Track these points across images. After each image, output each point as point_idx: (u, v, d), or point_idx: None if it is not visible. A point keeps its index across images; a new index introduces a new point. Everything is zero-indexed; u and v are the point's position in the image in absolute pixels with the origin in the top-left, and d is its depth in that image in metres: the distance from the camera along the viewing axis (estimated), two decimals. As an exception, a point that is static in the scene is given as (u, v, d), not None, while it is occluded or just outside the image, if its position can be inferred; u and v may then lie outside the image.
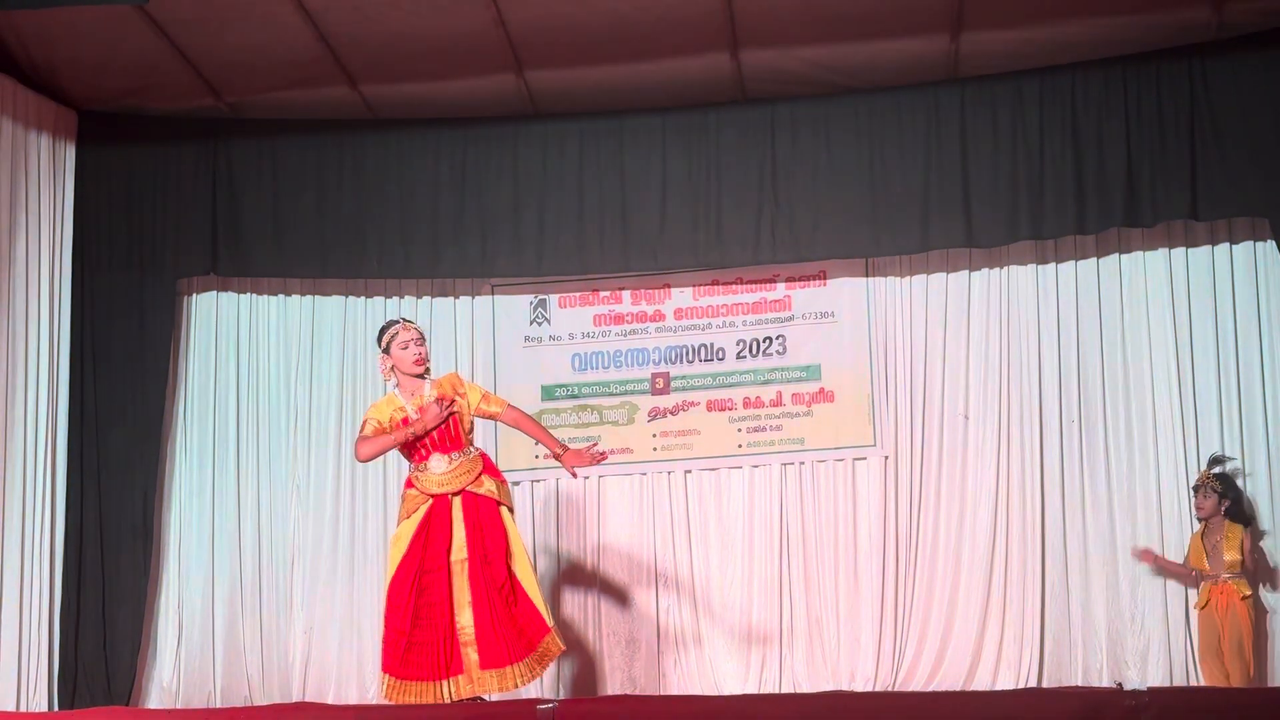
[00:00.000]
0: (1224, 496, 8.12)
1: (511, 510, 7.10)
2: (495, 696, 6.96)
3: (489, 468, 7.11)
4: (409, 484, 7.06)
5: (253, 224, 9.04)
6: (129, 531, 8.84)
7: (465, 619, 6.84)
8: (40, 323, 8.58)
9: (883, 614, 8.70)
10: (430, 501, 6.95)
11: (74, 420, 8.75)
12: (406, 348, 7.07)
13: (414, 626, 6.81)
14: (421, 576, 6.86)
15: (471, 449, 7.06)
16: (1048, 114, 8.52)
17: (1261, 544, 8.23)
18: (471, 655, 6.82)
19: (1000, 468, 8.75)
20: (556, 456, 7.17)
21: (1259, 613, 8.10)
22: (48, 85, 8.71)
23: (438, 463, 6.97)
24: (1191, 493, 8.27)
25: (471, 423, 7.12)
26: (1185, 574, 8.22)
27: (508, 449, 9.11)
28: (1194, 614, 8.16)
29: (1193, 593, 8.25)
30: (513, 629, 6.83)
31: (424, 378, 7.11)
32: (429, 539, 6.91)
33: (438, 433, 6.98)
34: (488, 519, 6.95)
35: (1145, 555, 8.32)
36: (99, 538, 8.77)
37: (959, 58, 8.65)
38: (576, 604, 9.02)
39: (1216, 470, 8.19)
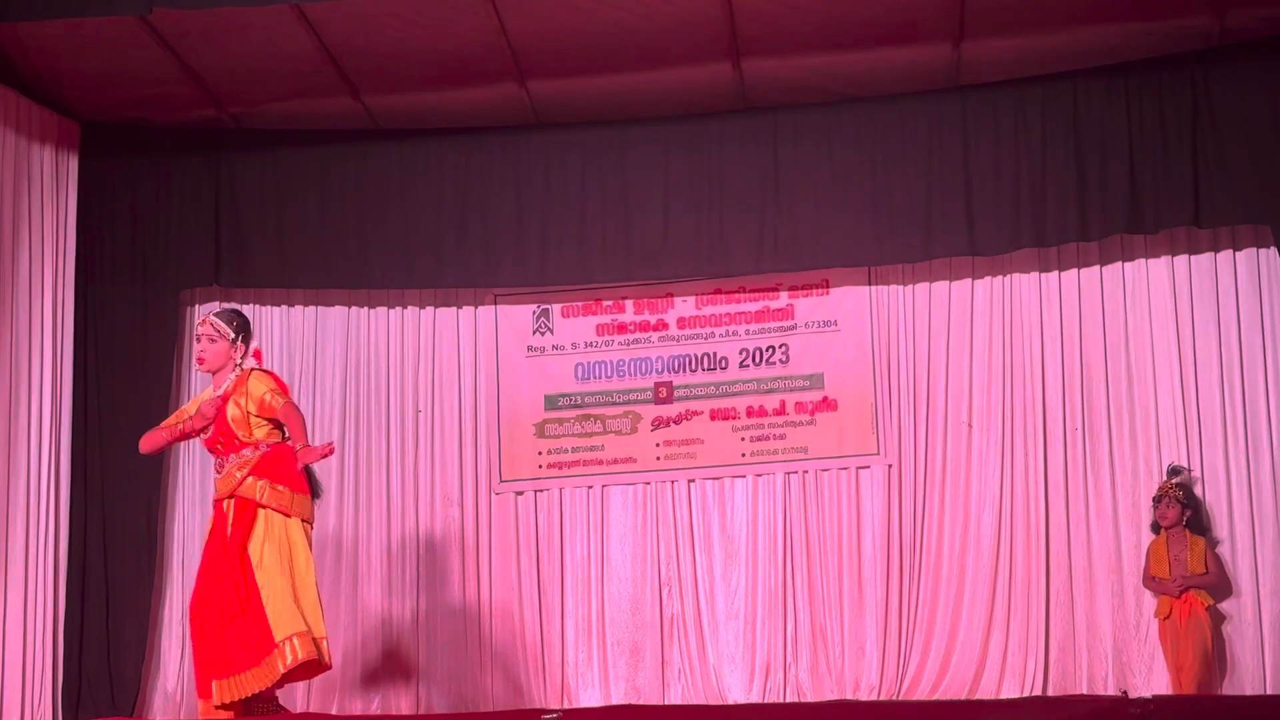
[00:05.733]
0: (1186, 506, 8.15)
1: (287, 515, 6.66)
2: None
3: (267, 468, 6.69)
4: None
5: (256, 234, 9.05)
6: (132, 542, 8.84)
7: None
8: (44, 334, 8.59)
9: (887, 623, 8.68)
10: (214, 509, 6.77)
11: (78, 431, 8.75)
12: (198, 341, 6.91)
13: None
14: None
15: (253, 451, 6.71)
16: (1050, 121, 8.52)
17: (1217, 551, 8.24)
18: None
19: (1004, 476, 8.73)
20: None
21: (1217, 621, 8.13)
22: (51, 97, 8.73)
23: (219, 465, 6.78)
24: (1153, 503, 8.27)
25: (252, 426, 6.73)
26: (1168, 585, 8.16)
27: (510, 458, 9.12)
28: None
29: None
30: (231, 637, 6.48)
31: (215, 375, 6.86)
32: (212, 548, 6.70)
33: (216, 436, 6.74)
34: (241, 521, 6.62)
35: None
36: (102, 548, 8.77)
37: (961, 65, 8.66)
38: (580, 613, 9.01)
39: (1177, 480, 8.20)
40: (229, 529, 6.62)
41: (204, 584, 6.68)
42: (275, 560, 6.58)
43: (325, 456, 6.76)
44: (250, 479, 6.64)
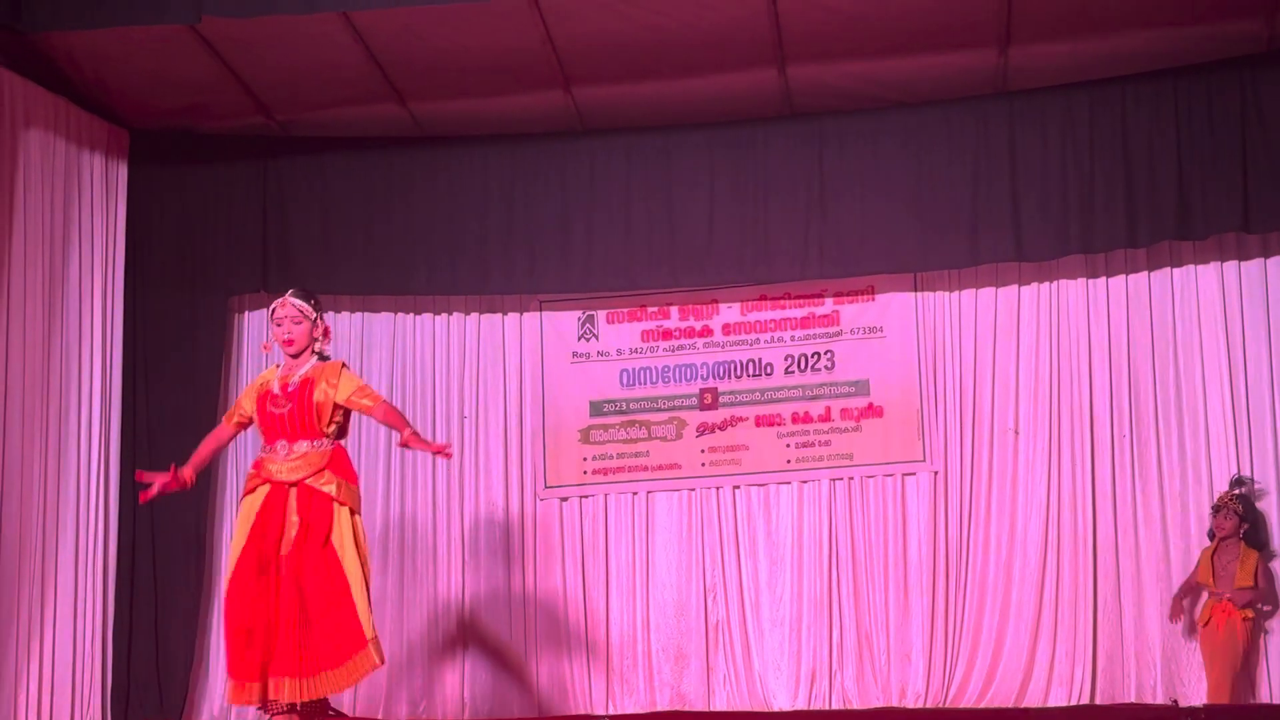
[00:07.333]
0: (1244, 519, 8.09)
1: (355, 513, 6.59)
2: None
3: (339, 466, 6.63)
4: (255, 464, 6.72)
5: (303, 241, 9.09)
6: (181, 547, 8.89)
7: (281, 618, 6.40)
8: (93, 340, 8.65)
9: (933, 630, 8.66)
10: (269, 487, 6.57)
11: (127, 437, 8.80)
12: (280, 325, 6.71)
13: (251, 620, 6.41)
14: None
15: (324, 441, 6.61)
16: (1097, 127, 8.47)
17: (1272, 565, 8.17)
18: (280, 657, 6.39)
19: (1051, 483, 8.70)
20: (405, 443, 6.64)
21: (1257, 632, 8.08)
22: (100, 105, 8.78)
23: (283, 448, 6.60)
24: (1211, 512, 8.21)
25: (333, 415, 6.65)
26: (1191, 586, 8.21)
27: (555, 463, 9.13)
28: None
29: None
30: (317, 635, 6.38)
31: (298, 358, 6.71)
32: (266, 528, 6.51)
33: (293, 416, 6.59)
34: (319, 515, 6.51)
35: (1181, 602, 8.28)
36: (152, 553, 8.83)
37: (1007, 71, 8.62)
38: (626, 619, 9.01)
39: (1238, 492, 8.14)
40: (293, 515, 6.50)
41: (265, 569, 6.45)
42: (355, 558, 6.54)
43: (437, 453, 6.66)
44: (327, 473, 6.56)
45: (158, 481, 6.76)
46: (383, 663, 6.59)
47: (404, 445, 6.63)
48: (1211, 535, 8.19)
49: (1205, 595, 8.13)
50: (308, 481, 6.54)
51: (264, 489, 6.58)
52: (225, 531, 9.11)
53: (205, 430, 8.75)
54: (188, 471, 6.82)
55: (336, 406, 6.64)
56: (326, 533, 6.49)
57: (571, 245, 8.96)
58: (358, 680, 6.56)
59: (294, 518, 6.51)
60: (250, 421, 6.84)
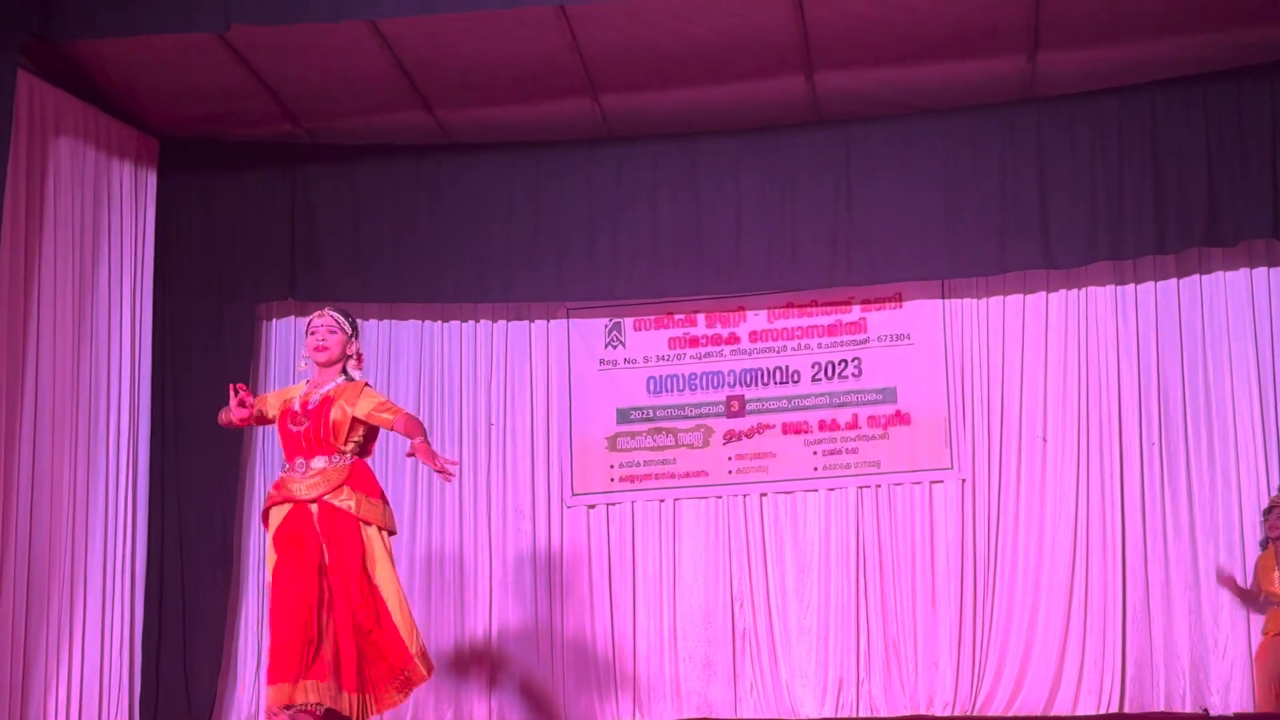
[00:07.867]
0: None
1: (388, 531, 6.55)
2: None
3: (358, 481, 6.56)
4: (276, 484, 6.65)
5: (331, 249, 9.12)
6: (209, 554, 8.92)
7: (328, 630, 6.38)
8: (122, 348, 8.69)
9: (961, 638, 8.63)
10: (290, 506, 6.51)
11: (155, 444, 8.84)
12: (315, 333, 6.67)
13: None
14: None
15: (341, 457, 6.54)
16: (1126, 133, 8.44)
17: None
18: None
19: (1080, 491, 8.66)
20: (412, 451, 6.49)
21: None
22: (130, 113, 8.83)
23: (301, 466, 6.54)
24: (1263, 515, 8.16)
25: (351, 433, 6.57)
26: (1254, 595, 8.13)
27: (582, 471, 9.13)
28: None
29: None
30: (371, 653, 6.38)
31: (327, 370, 6.67)
32: (299, 542, 6.44)
33: (309, 433, 6.53)
34: (344, 534, 6.43)
35: (1226, 580, 8.22)
36: (179, 560, 8.86)
37: (1036, 77, 8.59)
38: (653, 626, 9.00)
39: None
40: (317, 530, 6.45)
41: (307, 578, 6.37)
42: (389, 574, 6.51)
43: (440, 470, 6.45)
44: (345, 489, 6.50)
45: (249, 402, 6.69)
46: (430, 674, 6.57)
47: (410, 454, 6.55)
48: (1264, 544, 8.12)
49: (1271, 605, 8.04)
50: (326, 498, 6.48)
51: (285, 508, 6.54)
52: (252, 537, 9.15)
53: (234, 437, 8.89)
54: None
55: (356, 422, 6.56)
56: (357, 554, 6.45)
57: (598, 252, 8.97)
58: (407, 695, 6.53)
59: (321, 540, 6.46)
60: (263, 417, 6.79)
